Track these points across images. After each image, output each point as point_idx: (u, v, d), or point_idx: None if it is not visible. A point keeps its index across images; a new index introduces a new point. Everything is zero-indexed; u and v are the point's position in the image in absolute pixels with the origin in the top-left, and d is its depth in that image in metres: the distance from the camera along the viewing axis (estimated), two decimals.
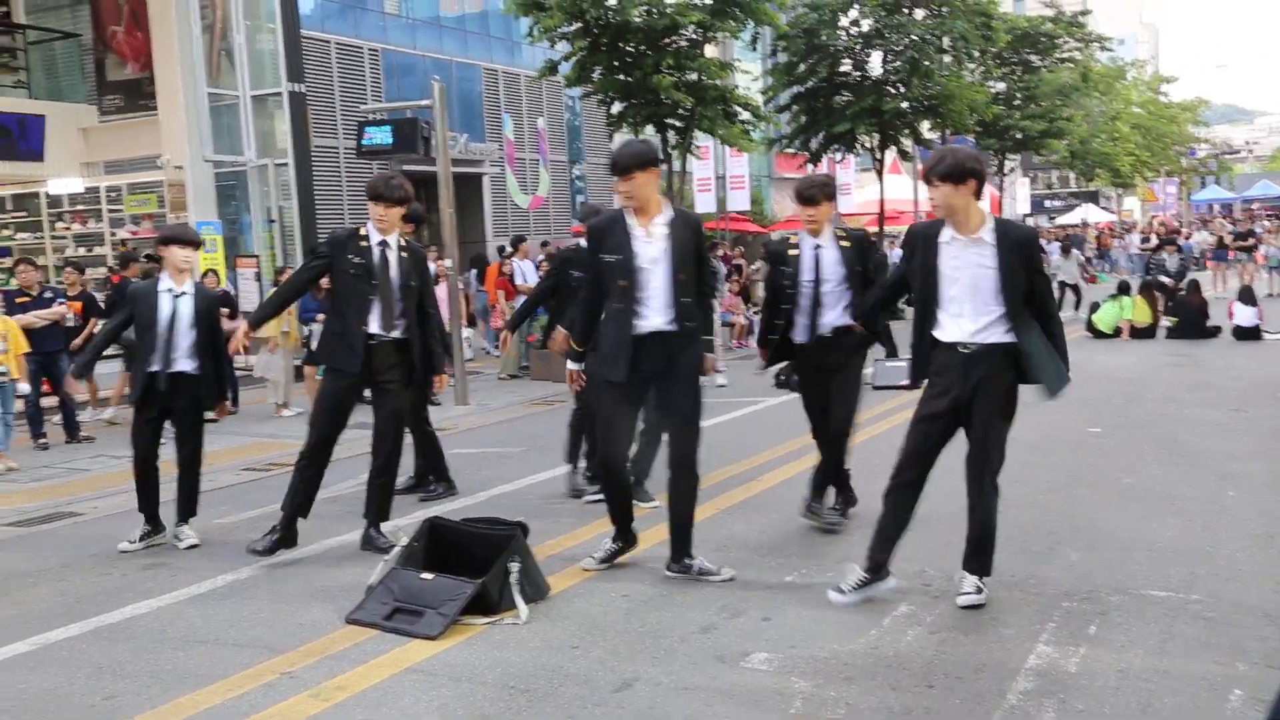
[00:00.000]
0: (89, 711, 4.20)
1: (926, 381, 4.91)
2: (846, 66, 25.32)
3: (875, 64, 25.44)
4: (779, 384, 12.50)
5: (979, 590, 4.83)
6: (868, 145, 26.29)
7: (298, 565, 6.10)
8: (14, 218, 19.16)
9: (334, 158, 21.36)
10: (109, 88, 18.28)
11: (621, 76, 19.34)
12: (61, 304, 11.03)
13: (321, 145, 20.13)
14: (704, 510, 6.00)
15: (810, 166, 26.91)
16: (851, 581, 4.89)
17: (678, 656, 4.44)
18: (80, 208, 18.43)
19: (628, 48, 19.12)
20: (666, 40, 19.26)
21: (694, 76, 19.45)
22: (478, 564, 5.07)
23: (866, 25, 24.94)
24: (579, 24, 18.63)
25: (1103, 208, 54.26)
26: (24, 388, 10.04)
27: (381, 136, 14.71)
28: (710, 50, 21.44)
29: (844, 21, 24.94)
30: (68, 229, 18.57)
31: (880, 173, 26.99)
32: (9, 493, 8.74)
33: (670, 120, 20.14)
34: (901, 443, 4.93)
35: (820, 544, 6.02)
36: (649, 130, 20.35)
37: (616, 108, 20.20)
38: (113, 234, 18.10)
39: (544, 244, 18.78)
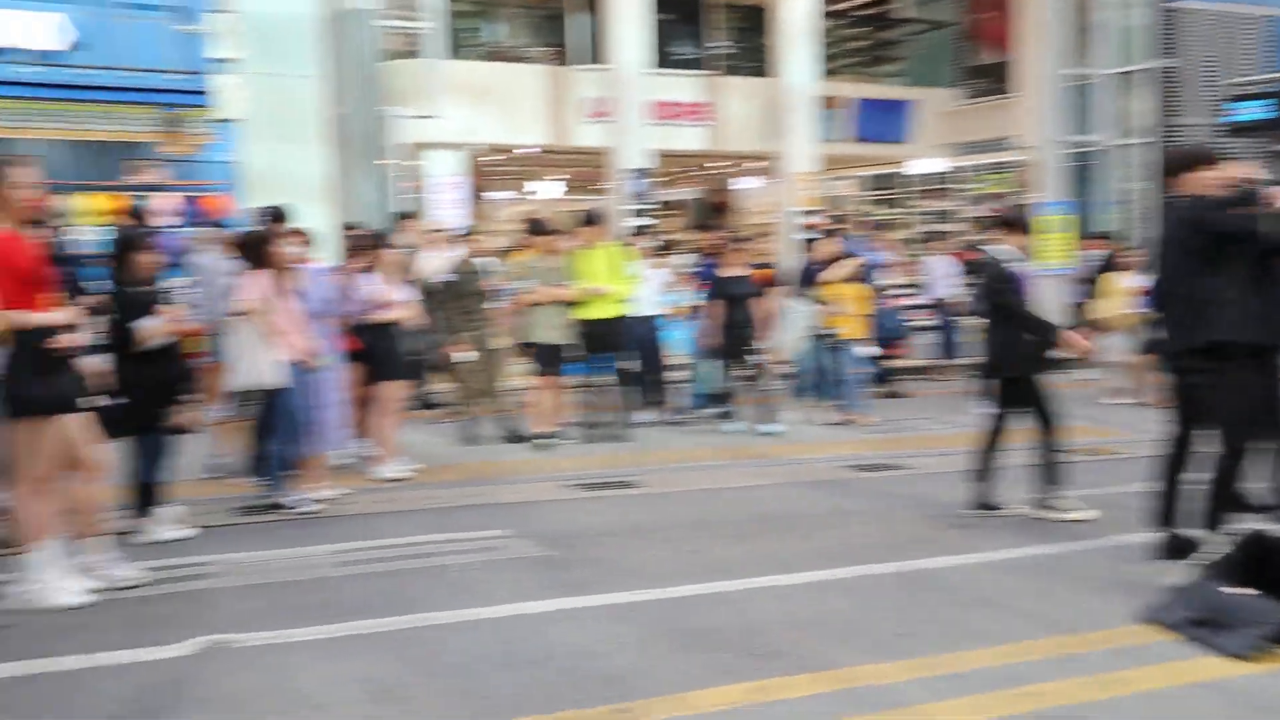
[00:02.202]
0: (880, 641, 4.62)
1: None
2: None
3: None
4: None
5: None
6: None
7: (1100, 553, 6.01)
8: (876, 194, 21.17)
9: (1198, 137, 20.10)
10: (971, 72, 19.29)
11: None
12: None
13: (1185, 123, 19.08)
14: None
15: None
16: None
17: None
18: (934, 186, 19.76)
19: None
20: None
21: None
22: None
23: None
24: None
25: None
26: (868, 350, 10.94)
27: (1258, 111, 13.54)
28: None
29: None
30: (920, 207, 20.04)
31: None
32: (853, 441, 9.77)
33: None
34: None
35: None
36: None
37: None
38: (960, 213, 19.11)
39: None
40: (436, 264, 9.92)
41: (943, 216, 19.46)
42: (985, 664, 4.33)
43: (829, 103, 18.03)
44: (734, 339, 9.94)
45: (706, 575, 5.61)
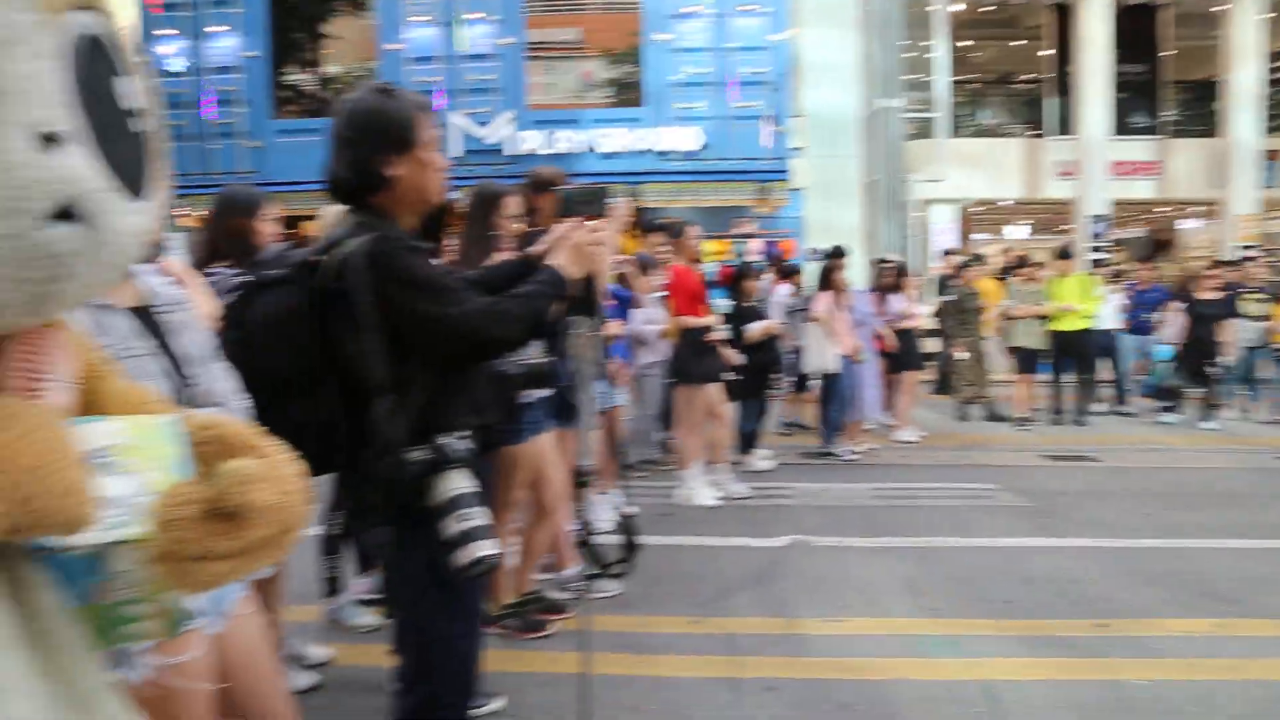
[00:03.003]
0: None
1: None
2: None
3: None
4: None
5: None
6: None
7: None
8: None
9: None
10: None
11: None
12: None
13: None
14: None
15: None
16: None
17: None
18: None
19: None
20: None
21: None
22: None
23: None
24: None
25: None
26: None
27: None
28: None
29: None
30: None
31: None
32: None
33: None
34: None
35: None
36: None
37: None
38: None
39: None
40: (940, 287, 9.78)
41: None
42: None
43: (1272, 155, 15.13)
44: (1197, 352, 8.80)
45: (1163, 533, 5.13)
